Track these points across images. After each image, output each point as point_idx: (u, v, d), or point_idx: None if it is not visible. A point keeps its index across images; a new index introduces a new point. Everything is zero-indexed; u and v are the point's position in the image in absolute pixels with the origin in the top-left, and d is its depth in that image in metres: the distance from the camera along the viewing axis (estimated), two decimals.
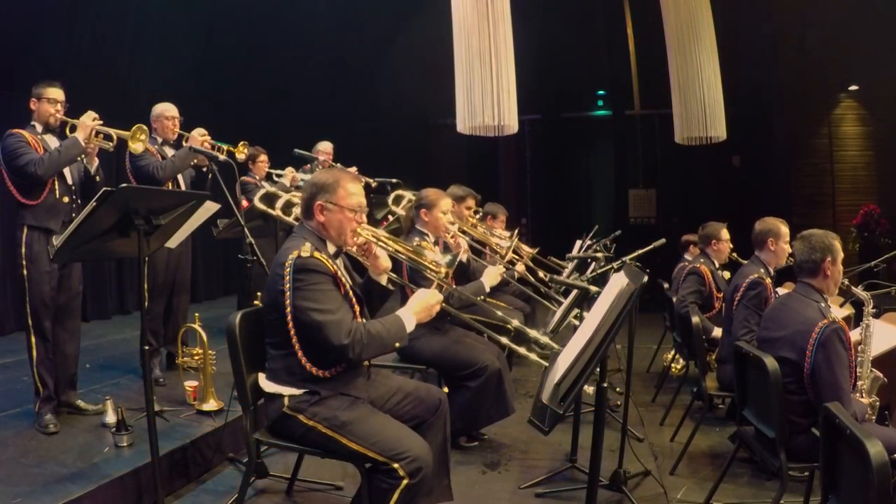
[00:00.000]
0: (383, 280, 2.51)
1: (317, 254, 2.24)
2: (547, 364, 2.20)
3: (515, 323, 2.79)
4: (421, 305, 2.35)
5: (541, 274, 4.63)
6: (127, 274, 6.74)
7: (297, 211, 3.16)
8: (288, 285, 2.22)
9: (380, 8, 8.47)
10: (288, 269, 2.22)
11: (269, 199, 3.52)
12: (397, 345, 2.30)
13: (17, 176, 3.12)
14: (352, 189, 2.37)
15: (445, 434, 2.56)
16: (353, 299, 2.36)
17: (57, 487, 2.53)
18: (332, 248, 2.39)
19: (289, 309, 2.22)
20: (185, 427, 3.26)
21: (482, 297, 3.61)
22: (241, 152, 4.10)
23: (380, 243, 2.46)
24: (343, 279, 2.33)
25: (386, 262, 2.48)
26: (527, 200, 10.56)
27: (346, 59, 8.78)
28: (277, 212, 3.16)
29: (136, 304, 6.75)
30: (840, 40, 8.15)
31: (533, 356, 2.36)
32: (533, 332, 2.48)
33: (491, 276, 3.62)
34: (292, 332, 2.24)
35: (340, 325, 2.17)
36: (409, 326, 2.31)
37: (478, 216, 5.16)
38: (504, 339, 2.55)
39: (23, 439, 3.02)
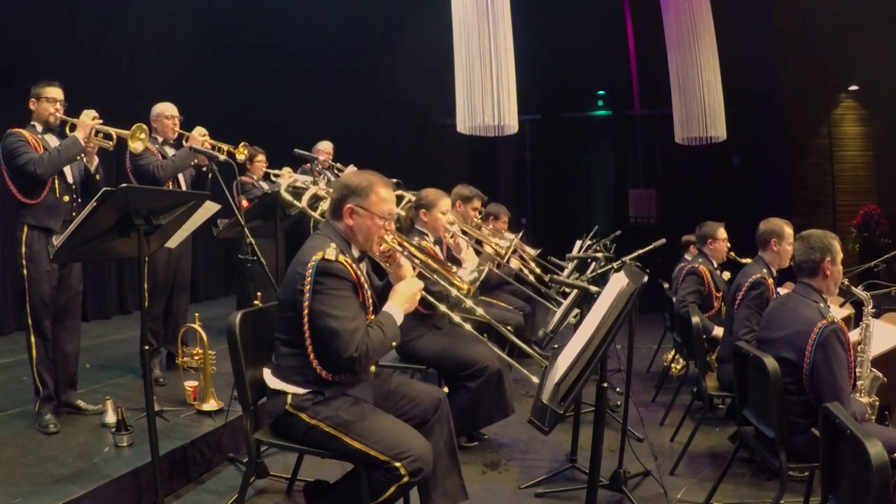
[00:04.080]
0: None
1: (341, 257, 2.22)
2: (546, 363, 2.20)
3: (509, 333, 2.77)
4: (404, 296, 2.33)
5: (537, 270, 4.63)
6: (127, 274, 6.74)
7: (323, 207, 3.14)
8: (308, 286, 2.19)
9: (380, 8, 8.47)
10: (310, 270, 2.19)
11: (295, 192, 3.51)
12: (394, 344, 2.29)
13: (17, 175, 3.12)
14: (384, 195, 2.33)
15: (450, 433, 2.55)
16: (371, 307, 2.34)
17: (57, 487, 2.53)
18: (356, 252, 2.36)
19: (306, 310, 2.20)
20: (185, 427, 3.26)
21: (478, 291, 3.57)
22: (242, 153, 4.10)
23: (405, 253, 2.43)
24: (364, 285, 2.31)
25: (409, 272, 2.45)
26: (527, 200, 10.57)
27: (346, 59, 8.78)
28: (303, 205, 3.15)
29: (136, 304, 6.75)
30: (840, 40, 8.15)
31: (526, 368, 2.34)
32: (521, 343, 2.48)
33: (469, 260, 3.57)
34: (307, 333, 2.22)
35: (353, 337, 2.15)
36: (399, 320, 2.31)
37: (479, 216, 5.16)
38: (503, 354, 2.52)
39: (23, 439, 3.02)
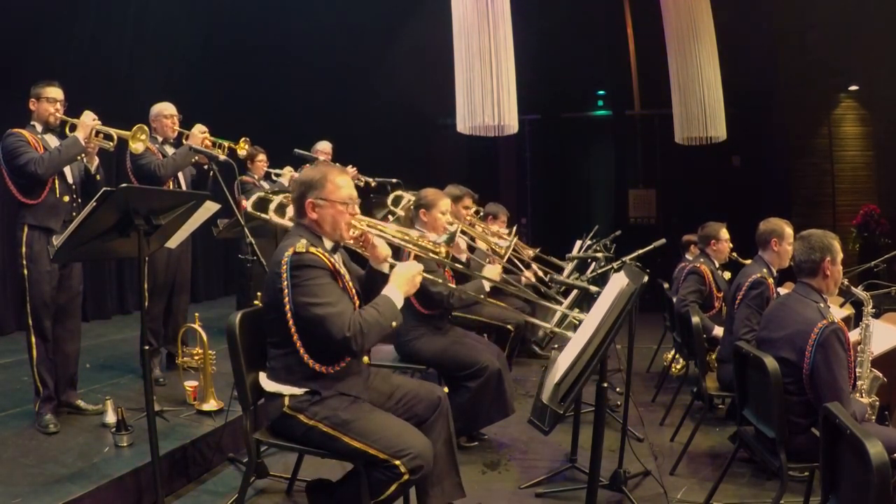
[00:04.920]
0: (385, 269, 2.50)
1: (312, 248, 2.24)
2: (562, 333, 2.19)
3: (518, 322, 2.74)
4: (404, 278, 2.34)
5: (539, 272, 4.64)
6: (127, 274, 6.74)
7: (290, 212, 3.16)
8: (286, 283, 2.21)
9: (380, 8, 8.47)
10: (285, 267, 2.21)
11: (262, 202, 3.49)
12: (394, 324, 2.29)
13: (18, 175, 3.12)
14: (340, 182, 2.36)
15: (450, 432, 2.55)
16: (353, 293, 2.36)
17: (57, 487, 2.53)
18: (328, 244, 2.38)
19: (288, 307, 2.22)
20: (185, 427, 3.26)
21: (483, 295, 3.58)
22: (243, 148, 4.09)
23: (374, 231, 2.46)
24: (341, 271, 2.32)
25: (385, 251, 2.47)
26: (527, 200, 10.57)
27: (346, 59, 8.78)
28: (271, 215, 3.15)
29: (136, 304, 6.75)
30: (840, 40, 8.15)
31: (551, 327, 2.32)
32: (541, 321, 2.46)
33: (490, 273, 3.59)
34: (293, 329, 2.23)
35: (342, 318, 2.16)
36: (399, 303, 2.31)
37: (479, 216, 5.17)
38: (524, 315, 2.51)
39: (23, 439, 3.02)
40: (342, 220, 2.35)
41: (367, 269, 2.53)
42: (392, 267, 2.47)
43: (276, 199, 3.21)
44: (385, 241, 2.48)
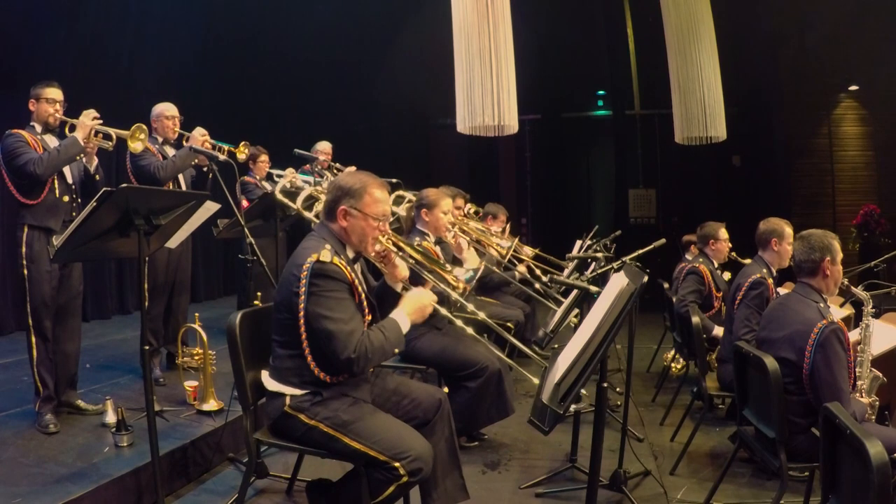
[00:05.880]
0: (398, 288, 2.48)
1: (336, 259, 2.21)
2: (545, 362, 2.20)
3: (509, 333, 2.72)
4: (414, 307, 2.33)
5: (539, 273, 4.65)
6: (127, 274, 6.74)
7: (318, 208, 3.14)
8: (304, 289, 2.19)
9: (380, 8, 8.47)
10: (305, 272, 2.19)
11: (291, 192, 3.51)
12: (396, 350, 2.28)
13: (17, 176, 3.12)
14: (378, 196, 2.33)
15: (451, 434, 2.55)
16: (367, 308, 2.34)
17: (57, 487, 2.53)
18: (350, 253, 2.36)
19: (302, 312, 2.20)
20: (185, 427, 3.26)
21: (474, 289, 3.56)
22: (242, 152, 4.09)
23: (400, 253, 2.42)
24: (359, 287, 2.30)
25: (404, 272, 2.44)
26: (527, 200, 10.59)
27: (346, 59, 8.79)
28: (298, 206, 3.14)
29: (136, 304, 6.75)
30: (840, 40, 8.16)
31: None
32: (517, 343, 2.46)
33: (471, 260, 3.54)
34: (304, 335, 2.22)
35: (350, 338, 2.15)
36: (405, 329, 2.30)
37: (478, 216, 5.18)
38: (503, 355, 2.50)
39: (23, 439, 3.02)
40: (371, 234, 2.32)
41: (381, 282, 2.51)
42: (405, 289, 2.45)
43: (308, 190, 3.21)
44: (406, 264, 2.44)
